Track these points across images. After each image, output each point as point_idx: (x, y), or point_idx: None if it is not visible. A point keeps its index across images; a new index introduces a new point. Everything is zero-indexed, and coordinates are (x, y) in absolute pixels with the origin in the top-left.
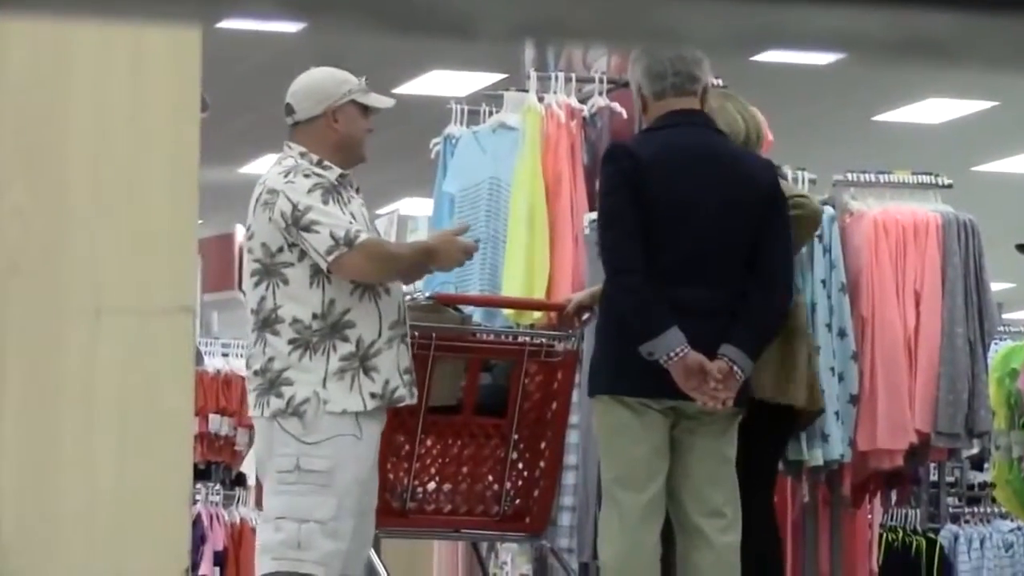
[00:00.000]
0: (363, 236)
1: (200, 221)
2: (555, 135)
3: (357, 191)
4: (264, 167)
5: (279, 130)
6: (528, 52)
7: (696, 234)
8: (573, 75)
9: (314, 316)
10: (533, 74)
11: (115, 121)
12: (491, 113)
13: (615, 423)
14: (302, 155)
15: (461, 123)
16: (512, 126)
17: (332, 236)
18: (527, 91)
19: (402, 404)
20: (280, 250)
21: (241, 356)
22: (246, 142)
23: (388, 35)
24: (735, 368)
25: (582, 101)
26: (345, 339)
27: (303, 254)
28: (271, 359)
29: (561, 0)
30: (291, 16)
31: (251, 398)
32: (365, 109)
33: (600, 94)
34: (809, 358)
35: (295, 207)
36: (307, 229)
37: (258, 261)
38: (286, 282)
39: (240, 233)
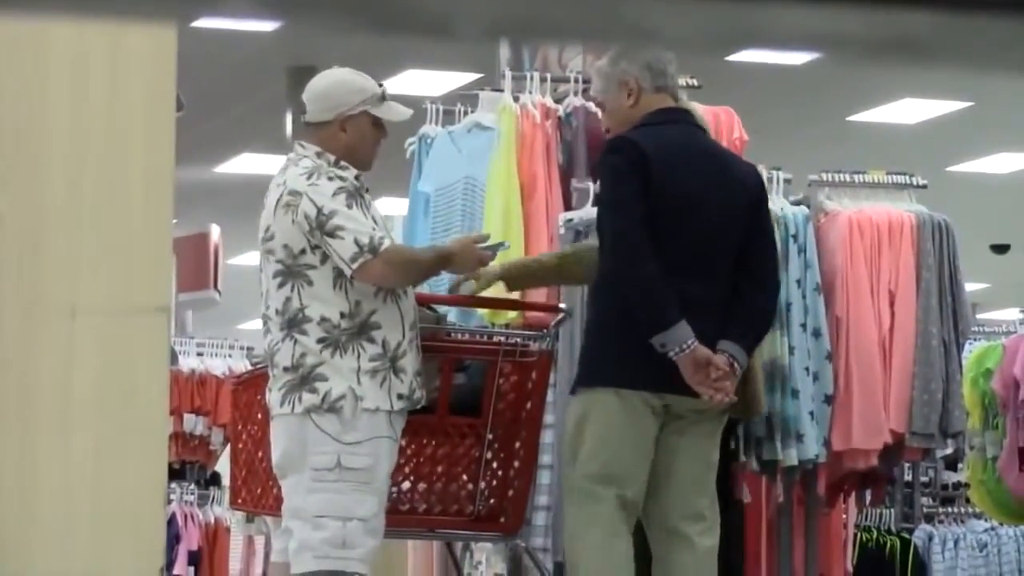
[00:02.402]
0: (386, 243)
1: (174, 220)
2: (530, 135)
3: (367, 191)
4: (239, 166)
5: (254, 129)
6: (503, 52)
7: (697, 229)
8: (548, 75)
9: (342, 315)
10: (508, 74)
11: (91, 121)
12: (466, 113)
13: (607, 417)
14: (318, 155)
15: (436, 123)
16: (487, 126)
17: (356, 243)
18: (502, 91)
19: (419, 406)
20: (303, 252)
21: (216, 356)
22: (221, 141)
23: (365, 34)
24: (734, 363)
25: (557, 101)
26: (371, 340)
27: (326, 256)
28: (303, 355)
29: (538, 0)
30: (267, 15)
31: (276, 395)
32: (378, 118)
33: (575, 94)
34: (757, 367)
35: (320, 211)
36: (331, 235)
37: (280, 262)
38: (310, 283)
39: (215, 233)
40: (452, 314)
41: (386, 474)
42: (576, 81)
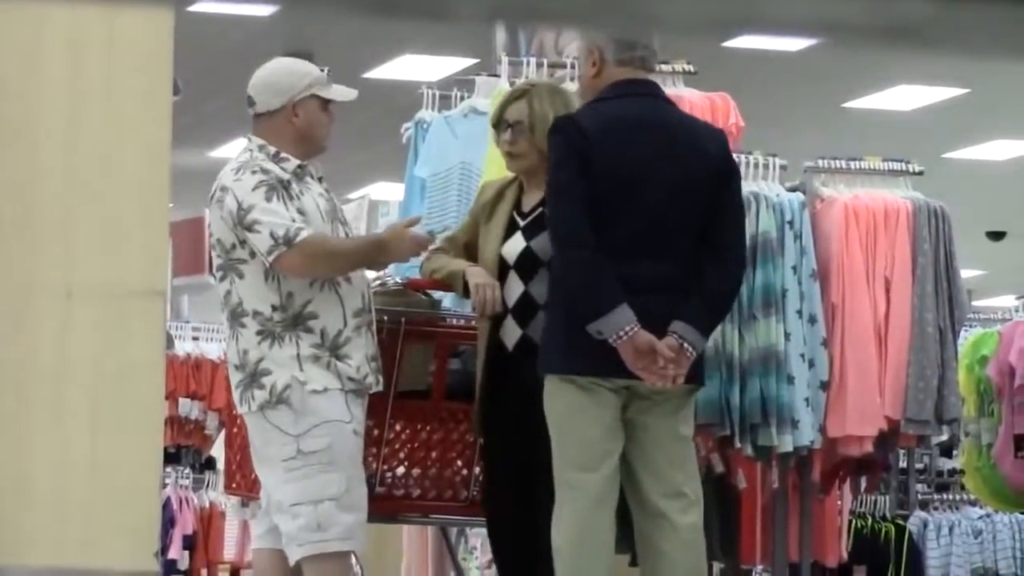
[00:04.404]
0: (303, 234)
1: (171, 204)
2: None
3: (320, 180)
4: (235, 151)
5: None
6: (500, 37)
7: (646, 207)
8: (545, 60)
9: (274, 308)
10: (505, 59)
11: (88, 105)
12: (463, 98)
13: (566, 404)
14: (260, 148)
15: (432, 108)
16: (483, 111)
17: (272, 235)
18: (499, 76)
19: (371, 391)
20: (233, 247)
21: (212, 340)
22: (217, 125)
23: (362, 18)
24: (685, 345)
25: None
26: (309, 330)
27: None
28: (245, 351)
29: None
30: None
31: (235, 394)
32: (326, 101)
33: (572, 79)
34: None
35: (240, 205)
36: (249, 228)
37: (219, 257)
38: (243, 277)
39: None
40: (447, 300)
41: (353, 447)
42: (572, 67)
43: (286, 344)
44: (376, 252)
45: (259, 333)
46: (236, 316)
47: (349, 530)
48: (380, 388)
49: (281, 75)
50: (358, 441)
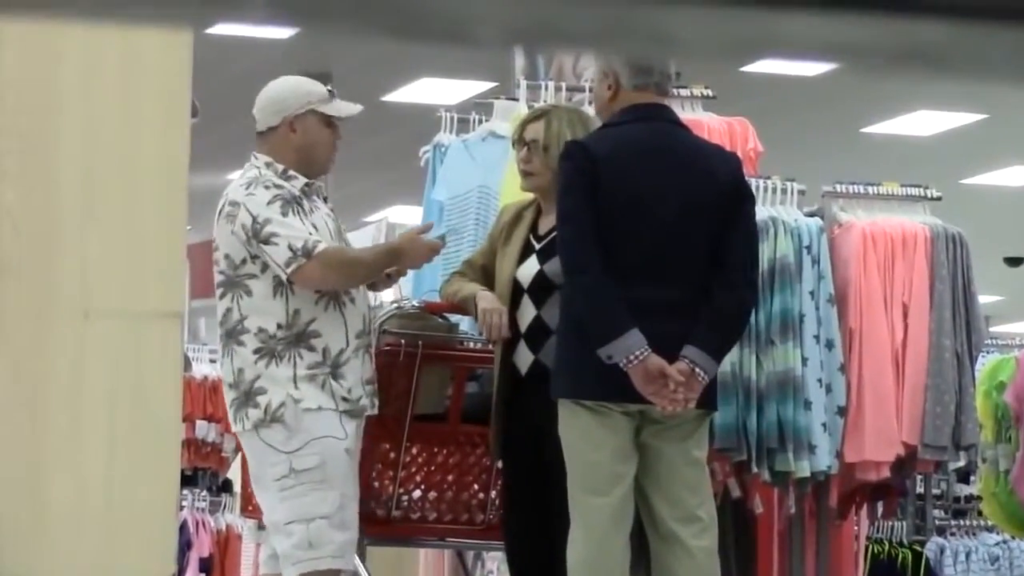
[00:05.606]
0: (321, 246)
1: (188, 227)
2: None
3: (325, 200)
4: None
5: None
6: (518, 60)
7: (655, 231)
8: (563, 84)
9: (279, 326)
10: (523, 83)
11: (105, 125)
12: (481, 121)
13: (576, 428)
14: (267, 165)
15: (451, 131)
16: (501, 135)
17: (290, 248)
18: (517, 100)
19: (365, 414)
20: (243, 262)
21: None
22: (234, 148)
23: (380, 41)
24: (697, 370)
25: None
26: (311, 348)
27: (266, 266)
28: (240, 370)
29: (555, 6)
30: (283, 22)
31: (230, 413)
32: (329, 118)
33: (590, 103)
34: None
35: (255, 220)
36: (266, 242)
37: (222, 273)
38: (249, 293)
39: None
40: (464, 323)
41: (346, 464)
42: (591, 90)
43: (283, 363)
44: (391, 259)
45: (257, 351)
46: (233, 334)
47: (341, 548)
48: (375, 412)
49: (279, 92)
50: (351, 460)
